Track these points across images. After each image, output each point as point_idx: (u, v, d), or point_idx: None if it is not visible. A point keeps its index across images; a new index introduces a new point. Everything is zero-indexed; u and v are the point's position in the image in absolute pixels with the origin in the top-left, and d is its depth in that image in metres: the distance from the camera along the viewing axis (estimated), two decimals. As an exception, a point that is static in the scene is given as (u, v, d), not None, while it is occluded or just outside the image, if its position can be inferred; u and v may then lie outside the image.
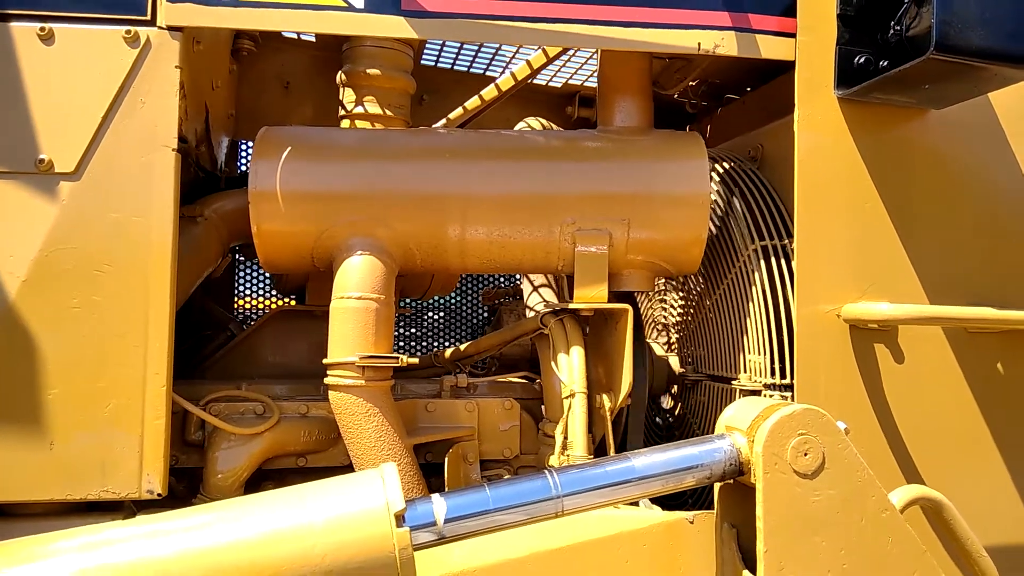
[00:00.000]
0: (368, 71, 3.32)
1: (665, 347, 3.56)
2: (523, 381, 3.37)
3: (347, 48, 3.42)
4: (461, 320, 5.29)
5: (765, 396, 2.69)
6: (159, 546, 1.73)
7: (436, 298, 5.00)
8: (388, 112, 3.35)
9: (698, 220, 2.72)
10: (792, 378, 2.60)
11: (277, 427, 2.77)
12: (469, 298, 5.30)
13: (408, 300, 4.74)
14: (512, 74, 2.93)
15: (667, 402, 3.53)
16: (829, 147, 2.59)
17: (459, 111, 3.01)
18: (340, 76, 3.37)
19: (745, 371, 2.80)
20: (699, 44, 2.53)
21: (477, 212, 2.69)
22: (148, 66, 2.37)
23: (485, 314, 5.20)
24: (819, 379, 2.56)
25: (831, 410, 2.55)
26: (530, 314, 3.43)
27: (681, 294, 3.38)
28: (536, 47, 3.09)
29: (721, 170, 3.07)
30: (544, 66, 2.96)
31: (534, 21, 2.48)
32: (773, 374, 2.67)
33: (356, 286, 2.61)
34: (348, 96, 3.37)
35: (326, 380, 2.63)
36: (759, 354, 2.73)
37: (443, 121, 3.03)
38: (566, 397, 2.73)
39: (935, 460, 2.62)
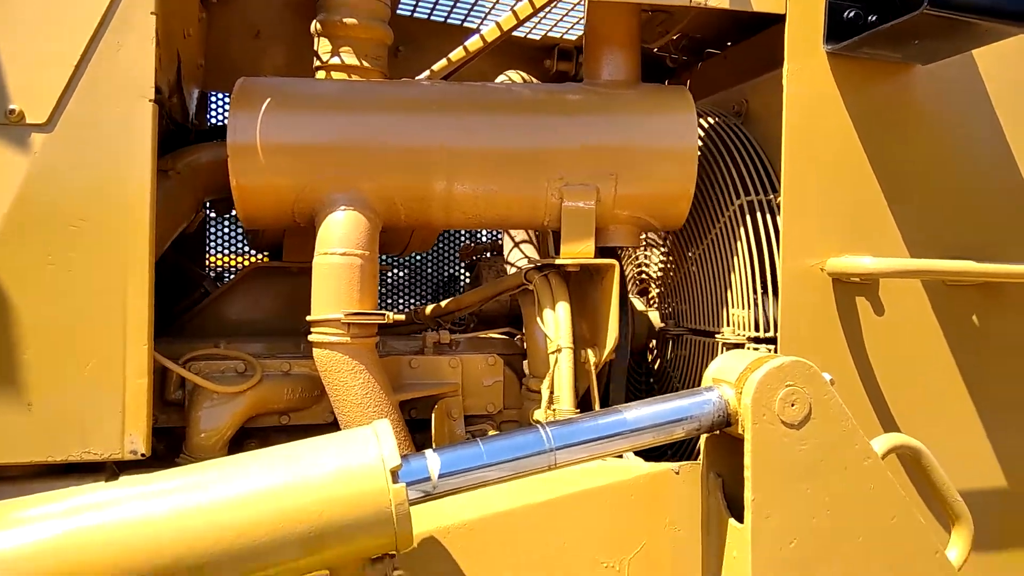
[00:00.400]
0: (345, 20, 3.22)
1: (645, 302, 3.57)
2: (504, 337, 3.36)
3: (321, -1, 3.32)
4: (424, 278, 5.26)
5: (749, 349, 2.72)
6: (153, 506, 1.70)
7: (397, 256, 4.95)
8: (365, 63, 3.26)
9: (685, 174, 2.71)
10: (775, 332, 2.62)
11: (260, 385, 2.73)
12: (433, 256, 5.26)
13: (384, 257, 4.70)
14: (497, 24, 2.86)
15: (649, 356, 3.56)
16: (817, 102, 2.59)
17: (443, 63, 2.94)
18: (315, 25, 3.27)
19: (728, 325, 2.83)
20: (690, -5, 2.50)
21: (463, 166, 2.65)
22: (123, 11, 2.27)
23: (453, 272, 5.17)
24: (802, 332, 2.60)
25: (814, 362, 2.61)
26: (512, 271, 3.41)
27: (663, 250, 3.39)
28: (519, -4, 3.01)
29: (706, 125, 3.05)
30: (531, 16, 2.89)
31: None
32: (757, 328, 2.70)
33: (340, 242, 2.57)
34: (324, 46, 3.27)
35: (310, 337, 2.60)
36: (743, 308, 2.75)
37: (427, 73, 2.95)
38: (552, 352, 2.73)
39: (913, 409, 2.68)
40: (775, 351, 2.63)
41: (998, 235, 2.75)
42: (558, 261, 2.72)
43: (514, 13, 2.83)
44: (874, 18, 2.47)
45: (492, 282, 3.32)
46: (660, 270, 3.41)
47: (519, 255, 3.39)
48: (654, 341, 3.46)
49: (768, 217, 2.74)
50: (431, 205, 2.70)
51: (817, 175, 2.59)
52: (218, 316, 3.38)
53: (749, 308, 2.72)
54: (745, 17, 2.62)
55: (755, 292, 2.70)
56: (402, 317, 2.62)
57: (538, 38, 4.09)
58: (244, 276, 3.39)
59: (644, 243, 3.59)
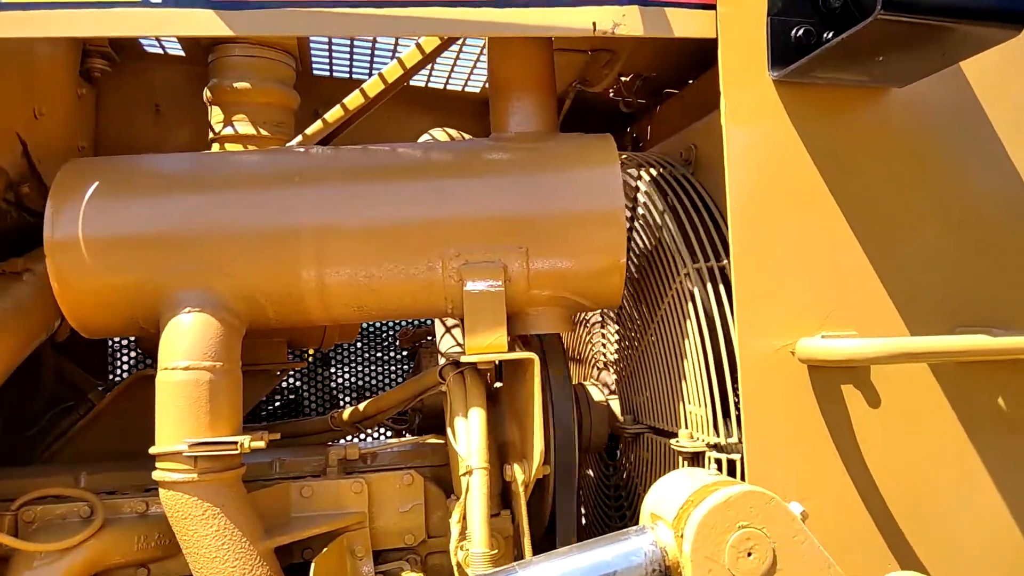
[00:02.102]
0: (236, 85, 2.81)
1: (606, 389, 3.01)
2: (436, 441, 2.81)
3: (212, 59, 2.91)
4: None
5: (710, 460, 2.14)
6: None
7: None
8: (264, 132, 2.83)
9: (613, 242, 2.18)
10: (741, 437, 2.05)
11: (102, 534, 2.21)
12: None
13: (302, 352, 4.16)
14: (380, 75, 2.41)
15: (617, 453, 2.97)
16: (767, 142, 2.06)
17: (317, 125, 2.48)
18: (206, 93, 2.86)
19: (686, 426, 2.25)
20: (594, 24, 2.00)
21: (336, 249, 2.15)
22: None
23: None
24: (773, 437, 2.01)
25: (791, 478, 2.02)
26: (442, 362, 2.88)
27: (617, 327, 2.83)
28: (395, 39, 2.56)
29: (648, 177, 2.53)
30: (423, 63, 2.43)
31: (387, 6, 1.95)
32: (716, 430, 2.12)
33: (184, 353, 2.07)
34: (216, 116, 2.86)
35: (154, 475, 2.09)
36: (699, 404, 2.18)
37: (298, 139, 2.49)
38: (463, 474, 2.17)
39: (928, 528, 2.06)
40: (741, 464, 2.05)
41: (1017, 294, 2.15)
42: (462, 359, 2.19)
43: (400, 62, 2.36)
44: (829, 35, 1.95)
45: (412, 379, 2.79)
46: (617, 352, 2.85)
47: (451, 342, 2.86)
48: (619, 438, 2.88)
49: (723, 289, 2.19)
50: (303, 299, 2.20)
51: (774, 232, 2.04)
52: (101, 434, 2.89)
53: (706, 405, 2.15)
54: (695, 49, 2.12)
55: (710, 384, 2.13)
56: (262, 444, 2.08)
57: (478, 90, 3.64)
58: (128, 386, 2.91)
59: (600, 316, 3.04)
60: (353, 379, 4.62)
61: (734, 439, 2.09)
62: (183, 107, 3.40)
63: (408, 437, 3.16)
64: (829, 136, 2.08)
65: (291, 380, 5.11)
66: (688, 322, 2.21)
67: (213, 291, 2.13)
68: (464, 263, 2.17)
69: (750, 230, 2.04)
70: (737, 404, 2.07)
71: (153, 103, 3.39)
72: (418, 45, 2.41)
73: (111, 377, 3.86)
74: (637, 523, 2.67)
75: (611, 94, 3.44)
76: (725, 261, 2.22)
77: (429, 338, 3.56)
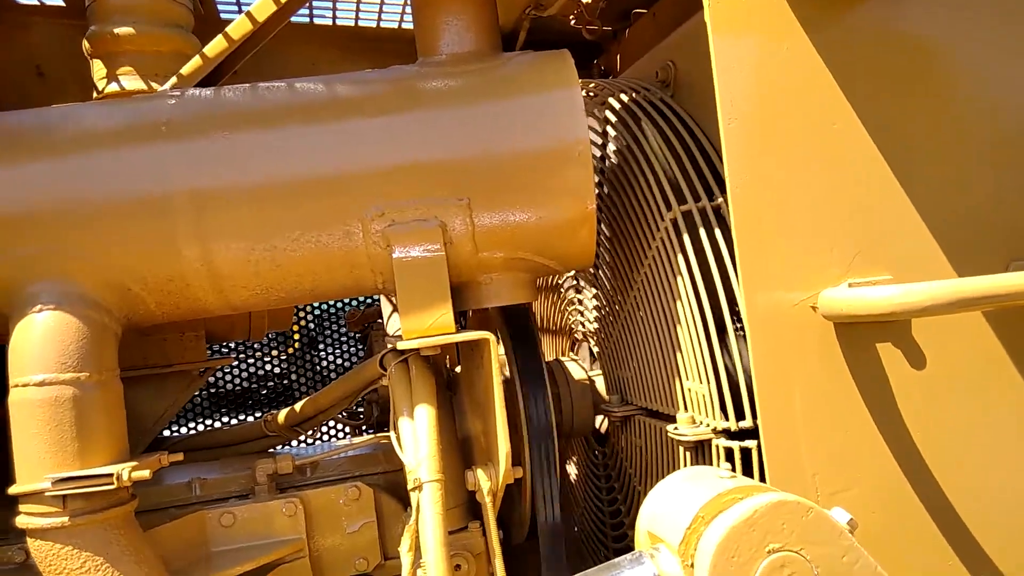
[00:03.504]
0: (117, 31, 2.31)
1: (588, 364, 2.57)
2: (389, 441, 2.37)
3: (90, 3, 2.40)
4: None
5: (717, 453, 1.70)
6: None
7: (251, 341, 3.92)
8: (156, 85, 2.33)
9: (578, 184, 1.72)
10: (755, 418, 1.61)
11: (-36, 597, 1.76)
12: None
13: (240, 345, 3.71)
14: (274, -2, 1.91)
15: (603, 427, 2.54)
16: (765, 50, 1.61)
17: (195, 61, 1.99)
18: (84, 44, 2.35)
19: (685, 407, 1.81)
20: None
21: (221, 218, 1.68)
22: None
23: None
24: (795, 416, 1.58)
25: (821, 466, 1.60)
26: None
27: (594, 290, 2.38)
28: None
29: (618, 105, 2.07)
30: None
31: None
32: (725, 412, 1.69)
33: (37, 364, 1.61)
34: (98, 70, 2.35)
35: (16, 520, 1.64)
36: (699, 380, 1.74)
37: (171, 81, 2.00)
38: (411, 489, 1.73)
39: (994, 517, 1.65)
40: (759, 453, 1.62)
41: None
42: (400, 346, 1.73)
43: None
44: None
45: (353, 371, 2.33)
46: (598, 318, 2.41)
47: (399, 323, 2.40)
48: (605, 419, 2.45)
49: (720, 233, 1.74)
50: (189, 284, 1.73)
51: (781, 159, 1.59)
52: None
53: (709, 381, 1.71)
54: None
55: (712, 354, 1.69)
56: (146, 474, 1.63)
57: (416, 28, 3.13)
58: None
59: (574, 281, 2.58)
60: (344, 360, 4.19)
61: (747, 422, 1.66)
62: (70, 68, 2.89)
63: (364, 437, 2.72)
64: (846, 38, 1.63)
65: (280, 365, 4.68)
66: (679, 278, 1.76)
67: (70, 282, 1.66)
68: (390, 224, 1.71)
69: (750, 159, 1.59)
70: (748, 377, 1.64)
71: (34, 64, 2.88)
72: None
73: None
74: (631, 516, 2.27)
75: (572, 22, 2.97)
76: (720, 199, 1.77)
77: (381, 319, 3.10)
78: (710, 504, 1.25)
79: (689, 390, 1.80)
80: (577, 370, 2.48)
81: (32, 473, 1.60)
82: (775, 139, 1.60)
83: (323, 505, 2.07)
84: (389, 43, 3.20)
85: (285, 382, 4.77)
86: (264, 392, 4.83)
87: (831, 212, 1.62)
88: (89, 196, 1.66)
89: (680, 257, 1.75)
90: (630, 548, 2.29)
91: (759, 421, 1.57)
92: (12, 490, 1.63)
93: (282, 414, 2.47)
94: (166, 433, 3.29)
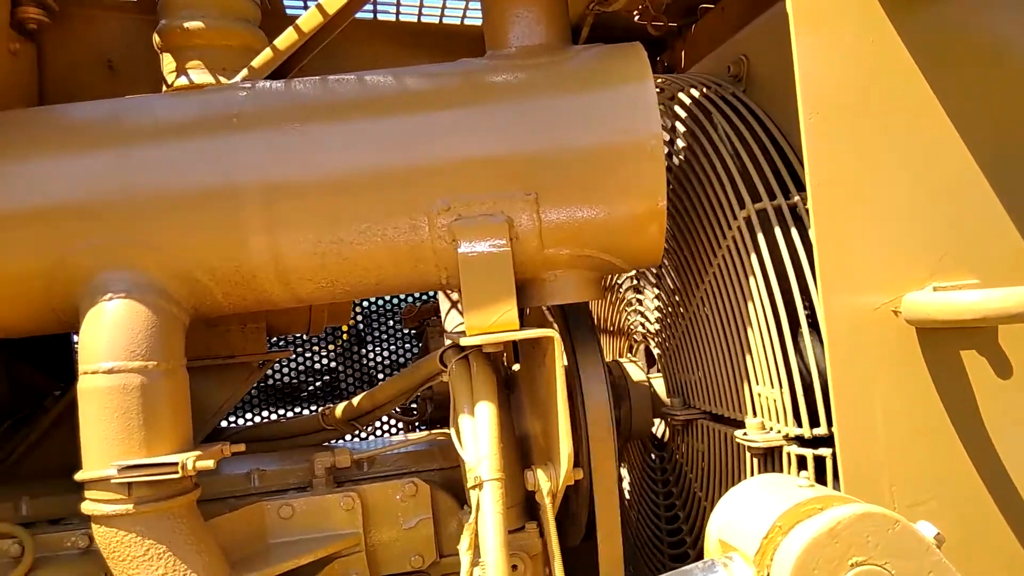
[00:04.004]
0: (187, 25, 2.34)
1: (647, 366, 2.52)
2: (446, 437, 2.36)
3: (161, -2, 2.44)
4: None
5: (789, 461, 1.64)
6: None
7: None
8: (224, 79, 2.35)
9: (649, 180, 1.68)
10: (830, 426, 1.55)
11: (31, 579, 1.79)
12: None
13: (291, 339, 3.71)
14: (347, -11, 1.90)
15: (662, 435, 2.49)
16: (852, 44, 1.55)
17: (265, 55, 1.99)
18: (155, 38, 2.39)
19: (754, 412, 1.76)
20: None
21: (289, 209, 1.68)
22: None
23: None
24: (873, 424, 1.52)
25: (900, 477, 1.53)
26: (448, 343, 2.40)
27: (657, 291, 2.33)
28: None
29: (689, 100, 2.02)
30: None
31: None
32: (798, 419, 1.63)
33: (108, 351, 1.63)
34: (168, 64, 2.39)
35: (83, 507, 1.66)
36: (771, 385, 1.69)
37: (242, 73, 2.01)
38: (471, 487, 1.70)
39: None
40: (833, 462, 1.55)
41: None
42: (463, 342, 1.71)
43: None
44: None
45: (411, 367, 2.32)
46: (659, 320, 2.36)
47: (457, 319, 2.39)
48: (665, 421, 2.40)
49: (795, 232, 1.69)
50: (256, 275, 1.73)
51: (865, 157, 1.53)
52: (51, 448, 2.47)
53: (781, 386, 1.65)
54: None
55: (786, 358, 1.63)
56: (210, 464, 1.63)
57: (479, 22, 3.11)
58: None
59: (635, 281, 2.54)
60: (390, 357, 4.20)
61: (822, 429, 1.60)
62: (141, 62, 2.93)
63: (418, 433, 2.71)
64: (935, 31, 1.56)
65: (327, 360, 4.73)
66: (751, 279, 1.71)
67: (142, 271, 1.68)
68: (456, 218, 1.69)
69: (832, 155, 1.53)
70: (824, 383, 1.58)
71: (105, 58, 2.93)
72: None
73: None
74: (690, 524, 2.22)
75: (636, 17, 2.92)
76: (797, 197, 1.71)
77: (438, 315, 3.09)
78: (788, 513, 1.20)
79: (759, 395, 1.74)
80: (636, 372, 2.43)
81: (99, 460, 1.62)
82: (858, 135, 1.54)
83: (380, 500, 2.05)
84: (452, 39, 3.19)
85: (328, 377, 4.79)
86: (312, 388, 4.85)
87: (916, 212, 1.55)
88: (160, 186, 1.67)
89: (753, 256, 1.70)
90: (687, 555, 2.24)
91: (835, 429, 1.51)
92: (78, 476, 1.65)
93: (339, 408, 2.47)
94: (222, 424, 3.32)
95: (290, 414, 4.04)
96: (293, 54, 1.99)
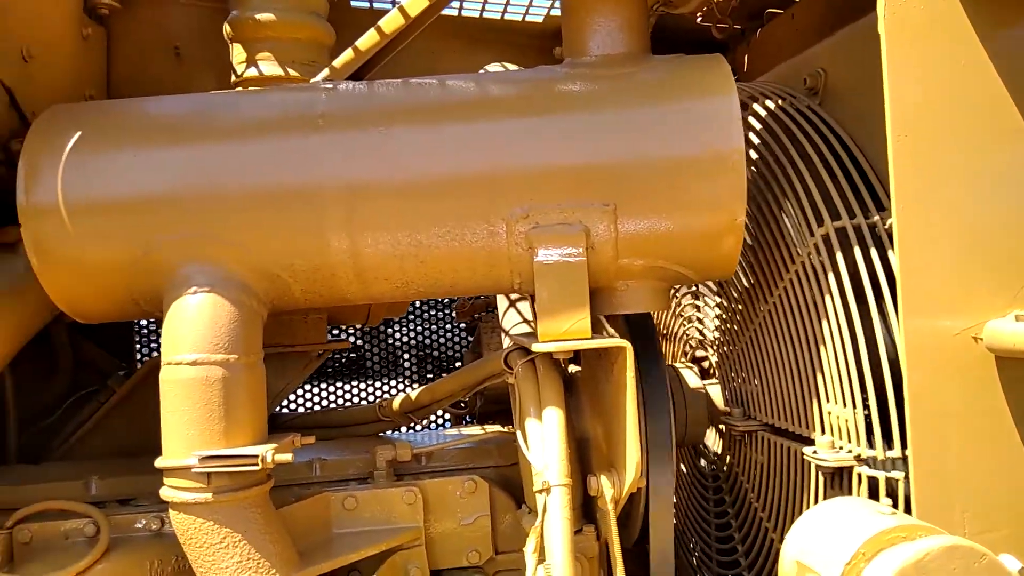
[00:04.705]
0: (258, 17, 2.37)
1: (702, 372, 2.52)
2: (502, 435, 2.39)
3: (233, -11, 2.47)
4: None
5: (859, 482, 1.65)
6: None
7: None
8: (293, 72, 2.38)
9: (729, 194, 1.68)
10: (904, 449, 1.55)
11: (108, 558, 1.84)
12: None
13: (347, 330, 3.75)
14: (425, -11, 1.92)
15: (714, 443, 2.50)
16: (943, 62, 1.53)
17: (347, 55, 2.01)
18: (226, 28, 2.42)
19: (824, 430, 1.76)
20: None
21: (371, 210, 1.70)
22: None
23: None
24: (948, 450, 1.52)
25: (972, 505, 1.53)
26: (506, 343, 2.43)
27: (719, 299, 2.34)
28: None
29: (763, 110, 2.01)
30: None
31: None
32: (871, 439, 1.63)
33: (192, 344, 1.67)
34: (238, 55, 2.42)
35: (162, 492, 1.71)
36: (843, 404, 1.69)
37: (324, 73, 2.04)
38: (539, 491, 1.73)
39: None
40: (907, 484, 1.56)
41: None
42: (535, 347, 1.73)
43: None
44: None
45: (472, 365, 2.35)
46: (719, 328, 2.36)
47: (516, 318, 2.41)
48: (719, 428, 2.41)
49: (875, 252, 1.68)
50: (335, 273, 1.76)
51: (952, 178, 1.52)
52: (121, 426, 2.54)
53: (855, 405, 1.65)
54: None
55: (861, 380, 1.63)
56: (288, 457, 1.67)
57: (540, 19, 3.12)
58: (147, 373, 2.54)
59: (694, 287, 2.54)
60: (415, 337, 4.24)
61: (895, 452, 1.60)
62: (207, 49, 2.98)
63: (470, 429, 2.74)
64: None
65: (353, 339, 4.79)
66: (827, 297, 1.71)
67: (225, 266, 1.72)
68: (534, 226, 1.70)
69: (918, 176, 1.53)
70: (898, 406, 1.58)
71: (172, 45, 2.97)
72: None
73: (139, 358, 3.52)
74: (743, 532, 2.23)
75: (699, 19, 2.90)
76: (877, 217, 1.71)
77: (490, 310, 3.11)
78: (873, 541, 1.21)
79: (829, 412, 1.74)
80: (692, 378, 2.44)
81: (180, 448, 1.67)
82: (946, 156, 1.53)
83: (440, 495, 2.09)
84: (513, 35, 3.20)
85: (354, 355, 4.82)
86: (335, 365, 4.85)
87: (1001, 237, 1.54)
88: (245, 183, 1.71)
89: (830, 276, 1.70)
90: (737, 563, 2.25)
91: (909, 452, 1.52)
92: (159, 463, 1.70)
93: (396, 400, 2.51)
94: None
95: (315, 391, 4.07)
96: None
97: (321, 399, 3.98)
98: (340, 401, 4.03)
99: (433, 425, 3.93)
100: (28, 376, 2.53)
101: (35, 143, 1.73)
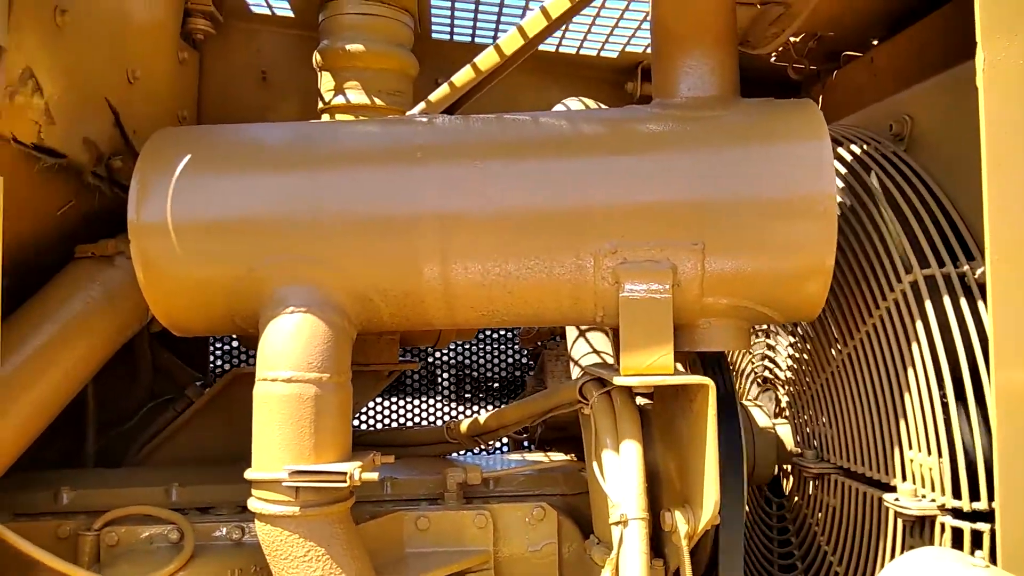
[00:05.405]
0: (348, 47, 2.46)
1: (771, 411, 2.52)
2: (568, 463, 2.41)
3: (323, 18, 2.57)
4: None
5: (942, 532, 1.64)
6: None
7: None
8: (379, 101, 2.47)
9: (819, 237, 1.70)
10: (991, 501, 1.54)
11: (191, 565, 1.90)
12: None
13: (414, 351, 3.81)
14: (520, 28, 1.98)
15: (781, 483, 2.49)
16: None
17: (443, 90, 2.08)
18: (316, 57, 2.52)
19: (905, 477, 1.75)
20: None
21: (464, 240, 1.76)
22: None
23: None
24: (1043, 504, 1.50)
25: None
26: (575, 372, 2.46)
27: (792, 338, 2.34)
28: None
29: (849, 156, 2.02)
30: (573, 12, 1.98)
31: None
32: (957, 490, 1.62)
33: (286, 361, 1.73)
34: (326, 83, 2.52)
35: (249, 503, 1.76)
36: (927, 452, 1.68)
37: (420, 106, 2.11)
38: (615, 523, 1.75)
39: None
40: (991, 538, 1.54)
41: None
42: (617, 380, 1.76)
43: (544, 12, 1.93)
44: None
45: (544, 393, 2.38)
46: (792, 368, 2.36)
47: (585, 349, 2.44)
48: (787, 468, 2.40)
49: (962, 301, 1.68)
50: (424, 299, 1.82)
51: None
52: (197, 436, 2.62)
53: (941, 455, 1.65)
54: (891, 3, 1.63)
55: (948, 428, 1.63)
56: (374, 476, 1.72)
57: (615, 55, 3.17)
58: (226, 384, 2.62)
59: (764, 325, 2.54)
60: (454, 357, 4.28)
61: (981, 504, 1.59)
62: (292, 75, 3.10)
63: (533, 455, 2.77)
64: None
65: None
66: (915, 344, 1.71)
67: (322, 288, 1.78)
68: (622, 261, 1.74)
69: (1015, 227, 1.52)
70: (986, 456, 1.57)
71: (259, 70, 3.09)
72: (569, -10, 1.96)
73: (211, 368, 3.63)
74: (808, 572, 2.21)
75: (773, 59, 2.93)
76: (967, 266, 1.71)
77: (555, 338, 3.14)
78: (969, 594, 1.21)
79: (911, 460, 1.74)
80: (762, 417, 2.44)
81: (270, 462, 1.72)
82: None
83: (510, 520, 2.12)
84: (585, 69, 3.26)
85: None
86: None
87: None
88: (345, 210, 1.77)
89: (919, 323, 1.70)
90: (800, 605, 2.23)
91: (996, 504, 1.50)
92: (248, 475, 1.76)
93: (464, 423, 2.55)
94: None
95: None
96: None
97: (360, 415, 4.04)
98: (379, 417, 4.10)
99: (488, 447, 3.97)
100: (109, 382, 2.63)
101: (147, 164, 1.82)
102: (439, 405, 4.25)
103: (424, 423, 4.18)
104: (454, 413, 4.23)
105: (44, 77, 1.80)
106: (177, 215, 1.78)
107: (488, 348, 4.28)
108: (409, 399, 4.21)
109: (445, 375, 4.36)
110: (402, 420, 4.15)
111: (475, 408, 4.24)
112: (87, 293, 2.16)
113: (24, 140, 1.79)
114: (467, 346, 4.29)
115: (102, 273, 2.24)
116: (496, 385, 4.35)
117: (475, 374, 4.33)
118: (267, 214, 1.79)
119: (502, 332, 4.25)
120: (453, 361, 4.30)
